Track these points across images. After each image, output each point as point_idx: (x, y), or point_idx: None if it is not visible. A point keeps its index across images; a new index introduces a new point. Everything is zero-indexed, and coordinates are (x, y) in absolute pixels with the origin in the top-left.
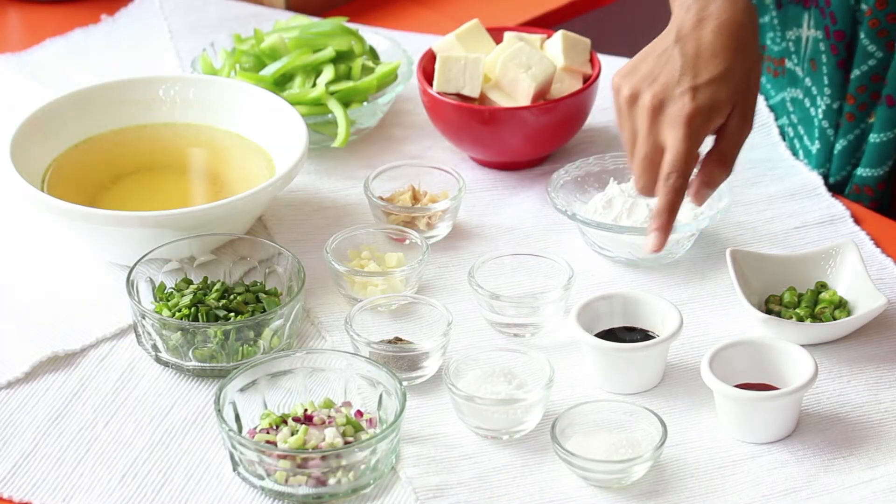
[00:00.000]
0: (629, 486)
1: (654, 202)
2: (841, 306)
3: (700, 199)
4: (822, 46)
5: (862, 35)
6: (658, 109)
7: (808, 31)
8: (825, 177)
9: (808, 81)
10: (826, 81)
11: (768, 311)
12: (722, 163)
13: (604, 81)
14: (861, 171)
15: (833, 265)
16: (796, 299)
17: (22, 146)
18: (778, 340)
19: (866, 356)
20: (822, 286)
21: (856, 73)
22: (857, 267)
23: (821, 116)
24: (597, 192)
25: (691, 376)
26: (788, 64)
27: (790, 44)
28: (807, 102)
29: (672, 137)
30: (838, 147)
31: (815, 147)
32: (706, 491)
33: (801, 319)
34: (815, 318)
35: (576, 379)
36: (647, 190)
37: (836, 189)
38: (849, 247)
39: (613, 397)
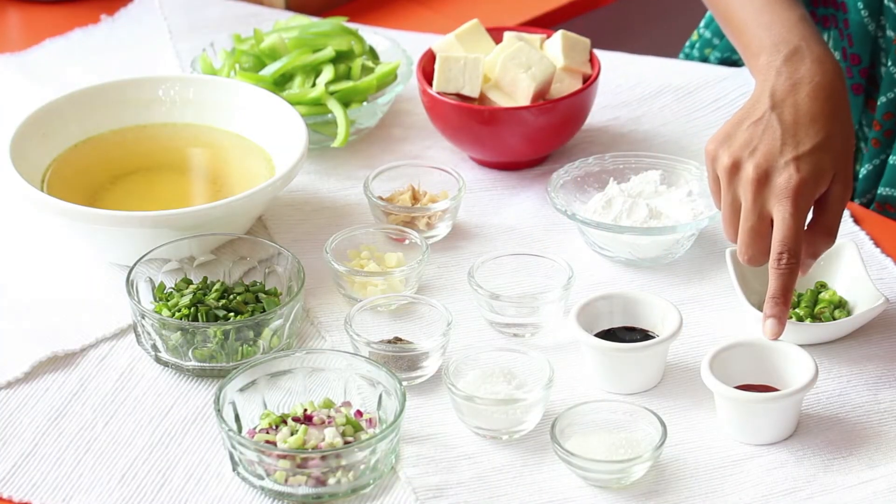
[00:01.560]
0: (629, 486)
1: (656, 202)
2: (841, 306)
3: (805, 270)
4: None
5: (889, 63)
6: (763, 181)
7: None
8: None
9: None
10: None
11: None
12: (827, 234)
13: (603, 81)
14: (881, 190)
15: (833, 265)
16: (796, 299)
17: (22, 146)
18: (778, 341)
19: (866, 356)
20: (822, 286)
21: (882, 100)
22: (856, 267)
23: None
24: (596, 192)
25: (691, 376)
26: None
27: None
28: None
29: (780, 212)
30: (863, 172)
31: None
32: (706, 491)
33: (800, 319)
34: (815, 318)
35: (576, 379)
36: (756, 260)
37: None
38: (849, 247)
39: (613, 397)
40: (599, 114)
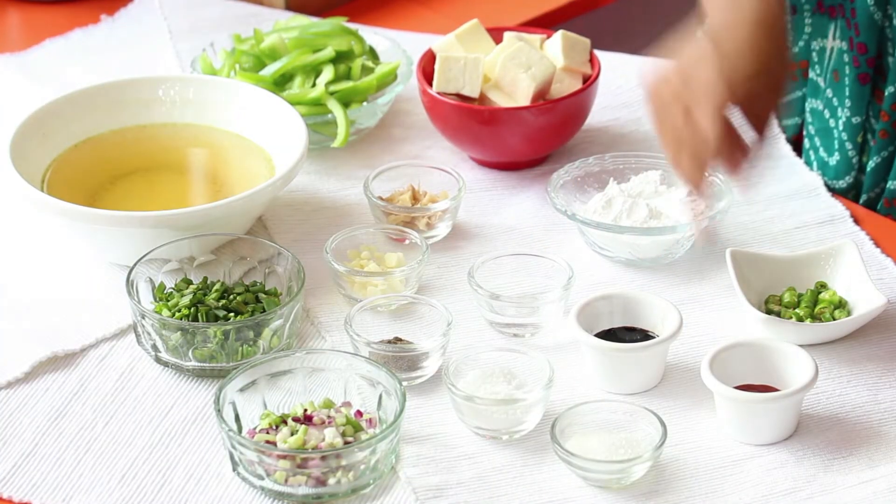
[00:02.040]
0: (629, 486)
1: (656, 202)
2: (841, 306)
3: (741, 175)
4: (846, 58)
5: None
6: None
7: (834, 41)
8: (856, 194)
9: (829, 93)
10: (847, 93)
11: (768, 311)
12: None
13: (604, 82)
14: (892, 184)
15: (833, 265)
16: (796, 299)
17: (22, 146)
18: (778, 342)
19: (866, 356)
20: (823, 286)
21: (890, 90)
22: (857, 267)
23: (840, 128)
24: (596, 192)
25: (691, 376)
26: (811, 73)
27: (814, 53)
28: (826, 114)
29: (706, 121)
30: (871, 165)
31: (833, 159)
32: (706, 491)
33: (800, 319)
34: (815, 318)
35: (576, 379)
36: (695, 179)
37: (869, 206)
38: (849, 247)
39: (613, 397)
40: (600, 114)
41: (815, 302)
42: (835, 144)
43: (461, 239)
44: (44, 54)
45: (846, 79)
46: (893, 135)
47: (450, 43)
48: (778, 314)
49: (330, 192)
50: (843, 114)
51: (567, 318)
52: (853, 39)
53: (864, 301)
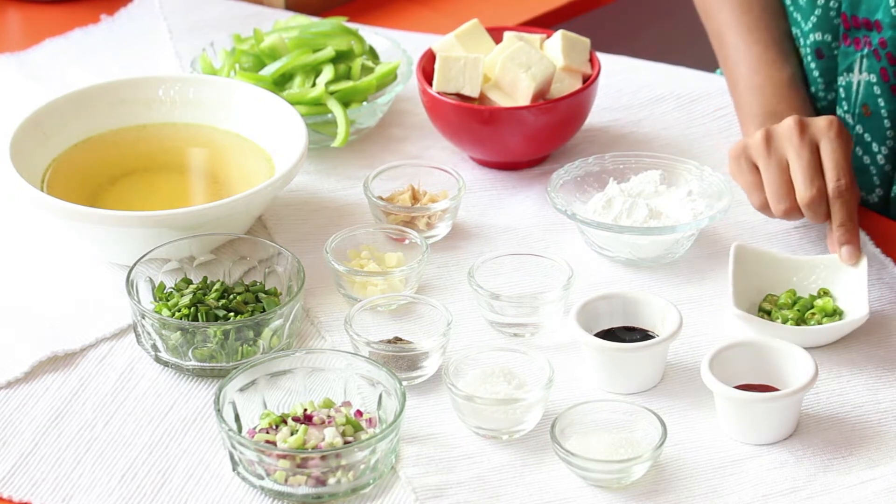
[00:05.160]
0: (629, 486)
1: (656, 202)
2: (833, 315)
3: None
4: (876, 90)
5: None
6: (803, 125)
7: (861, 74)
8: None
9: (859, 129)
10: (888, 124)
11: (760, 310)
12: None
13: (603, 81)
14: None
15: (838, 273)
16: (792, 302)
17: (22, 146)
18: (778, 341)
19: (866, 356)
20: (825, 293)
21: None
22: (860, 277)
23: (881, 162)
24: (596, 192)
25: (691, 376)
26: (838, 111)
27: (841, 90)
28: (859, 151)
29: (828, 142)
30: None
31: (874, 195)
32: (706, 491)
33: (785, 321)
34: (803, 322)
35: (576, 379)
36: (819, 199)
37: None
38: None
39: (613, 397)
40: (600, 115)
41: (811, 307)
42: (875, 180)
43: (461, 239)
44: (44, 54)
45: (882, 111)
46: None
47: (450, 43)
48: (768, 313)
49: (330, 192)
50: (884, 147)
51: (567, 318)
52: (878, 51)
53: (854, 310)
